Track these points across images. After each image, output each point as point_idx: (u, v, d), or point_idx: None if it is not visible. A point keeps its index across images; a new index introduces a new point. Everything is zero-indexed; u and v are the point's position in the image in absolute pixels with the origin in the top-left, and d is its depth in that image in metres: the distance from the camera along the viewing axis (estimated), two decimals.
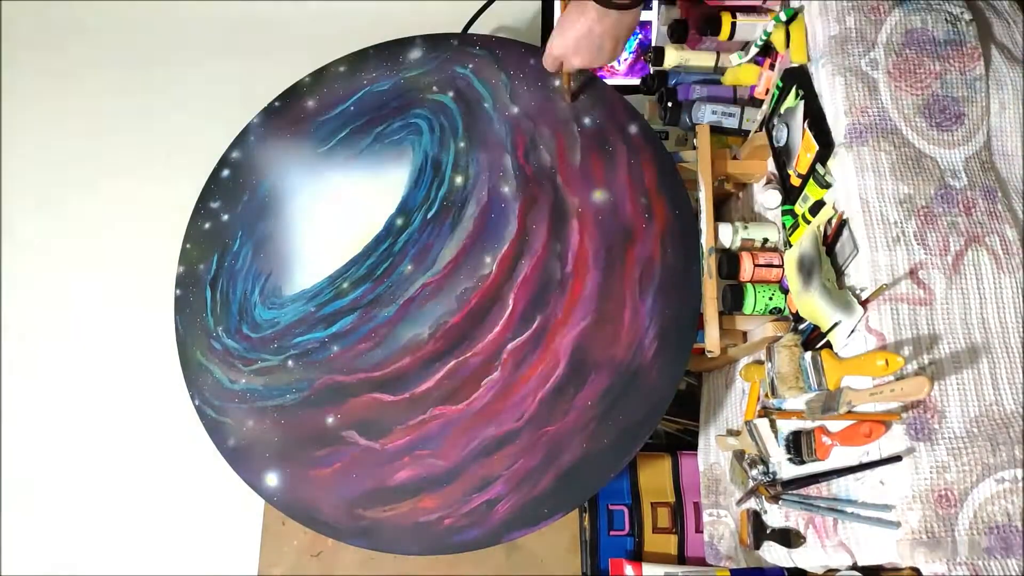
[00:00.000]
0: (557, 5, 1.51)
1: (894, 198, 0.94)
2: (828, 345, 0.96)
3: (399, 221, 1.21)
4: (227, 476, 1.16)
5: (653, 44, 1.49)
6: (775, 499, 1.01)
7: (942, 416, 0.85)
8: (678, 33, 1.27)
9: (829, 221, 1.00)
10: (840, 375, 0.90)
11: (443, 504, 1.09)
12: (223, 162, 1.32)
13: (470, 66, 1.26)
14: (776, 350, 0.98)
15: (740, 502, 1.13)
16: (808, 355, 0.94)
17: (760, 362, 1.16)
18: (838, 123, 0.99)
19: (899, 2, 1.03)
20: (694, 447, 1.42)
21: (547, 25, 1.53)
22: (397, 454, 1.11)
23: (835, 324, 0.93)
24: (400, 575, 1.36)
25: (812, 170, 1.01)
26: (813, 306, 0.97)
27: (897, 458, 0.84)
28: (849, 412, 0.90)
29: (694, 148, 1.23)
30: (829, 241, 0.99)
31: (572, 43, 0.99)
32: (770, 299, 1.11)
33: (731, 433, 1.23)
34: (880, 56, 1.01)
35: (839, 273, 0.97)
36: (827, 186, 1.00)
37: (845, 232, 0.96)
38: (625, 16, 0.94)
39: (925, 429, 0.84)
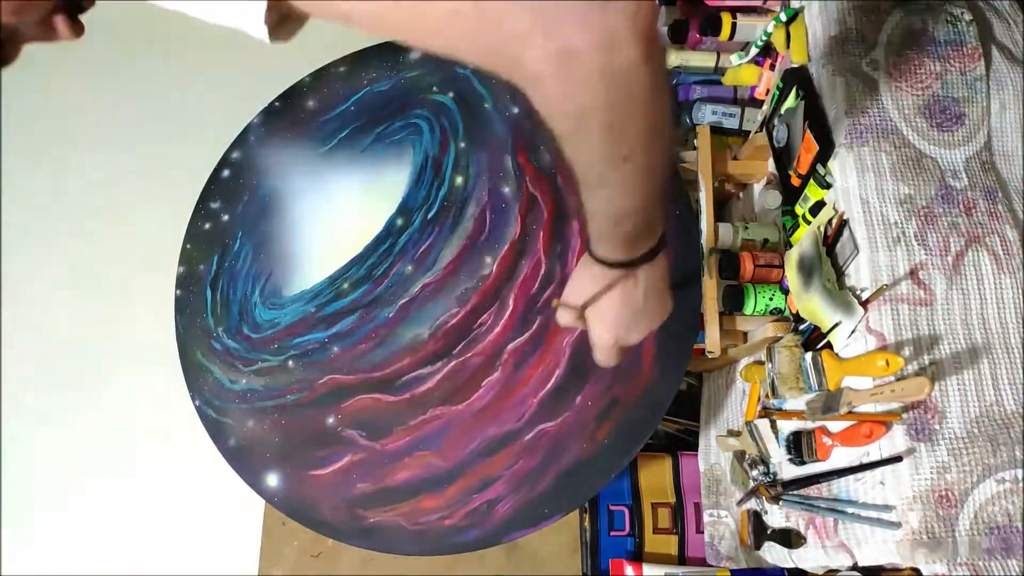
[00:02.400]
0: None
1: (894, 198, 0.94)
2: (828, 345, 0.96)
3: (399, 221, 1.21)
4: (227, 476, 1.16)
5: None
6: (776, 499, 1.01)
7: (942, 416, 0.84)
8: (678, 33, 1.28)
9: (829, 221, 0.99)
10: (840, 375, 0.90)
11: (443, 504, 1.09)
12: (223, 162, 1.32)
13: (471, 66, 1.26)
14: (776, 350, 0.98)
15: (741, 502, 1.13)
16: (808, 355, 0.93)
17: (760, 362, 1.16)
18: (838, 123, 0.99)
19: (899, 2, 1.03)
20: (694, 447, 1.42)
21: None
22: (397, 454, 1.11)
23: (835, 325, 0.93)
24: (400, 575, 1.36)
25: (812, 170, 1.01)
26: (813, 306, 0.97)
27: (897, 458, 0.84)
28: (850, 412, 0.90)
29: (694, 148, 1.23)
30: (829, 241, 0.99)
31: (622, 324, 0.77)
32: (770, 299, 1.10)
33: (732, 434, 1.23)
34: (880, 56, 1.01)
35: (839, 273, 0.97)
36: (827, 186, 1.00)
37: (845, 232, 0.96)
38: (657, 263, 0.71)
39: (926, 429, 0.84)
